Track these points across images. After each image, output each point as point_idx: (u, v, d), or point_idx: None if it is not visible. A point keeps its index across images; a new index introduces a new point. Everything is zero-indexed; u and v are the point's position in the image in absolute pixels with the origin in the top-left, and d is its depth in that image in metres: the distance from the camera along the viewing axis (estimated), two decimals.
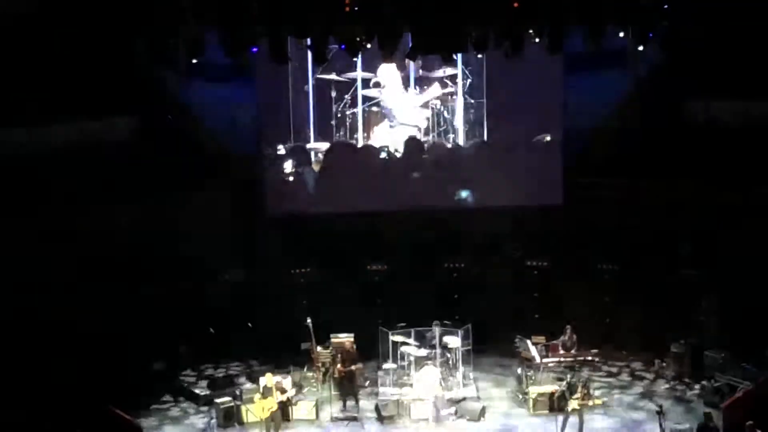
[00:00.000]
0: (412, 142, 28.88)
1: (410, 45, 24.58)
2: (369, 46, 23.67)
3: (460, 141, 29.59)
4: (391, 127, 27.96)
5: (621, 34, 24.76)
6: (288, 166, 27.06)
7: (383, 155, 27.95)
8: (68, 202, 26.97)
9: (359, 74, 26.81)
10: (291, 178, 27.79)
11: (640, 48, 25.71)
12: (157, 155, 29.03)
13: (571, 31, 23.96)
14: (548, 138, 30.21)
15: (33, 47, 25.76)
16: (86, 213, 27.60)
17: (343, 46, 24.54)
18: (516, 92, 29.39)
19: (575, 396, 23.24)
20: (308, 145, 28.17)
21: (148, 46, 23.75)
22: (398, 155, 28.77)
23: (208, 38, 23.36)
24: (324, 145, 27.29)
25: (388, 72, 26.98)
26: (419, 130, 28.54)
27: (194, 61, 24.62)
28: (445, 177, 30.39)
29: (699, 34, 27.20)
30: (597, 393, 24.94)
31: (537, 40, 24.45)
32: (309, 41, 23.75)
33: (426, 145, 28.89)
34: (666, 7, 23.56)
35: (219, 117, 30.89)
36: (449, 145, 29.43)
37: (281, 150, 26.99)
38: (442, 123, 28.96)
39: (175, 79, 29.76)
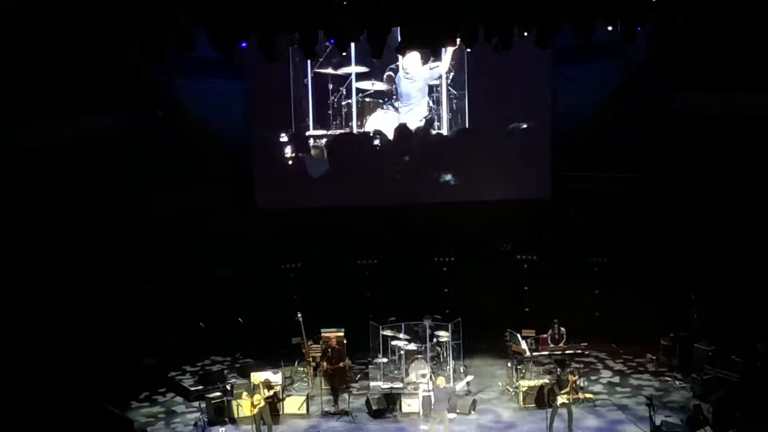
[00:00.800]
0: (400, 129, 29.55)
1: (399, 40, 24.60)
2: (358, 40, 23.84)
3: (444, 129, 30.18)
4: (403, 106, 29.02)
5: (609, 28, 24.81)
6: (289, 151, 28.26)
7: (376, 141, 28.94)
8: (60, 197, 27.00)
9: (353, 68, 27.95)
10: (290, 162, 28.74)
11: (629, 42, 25.80)
12: (149, 150, 29.08)
13: (559, 26, 24.00)
14: (524, 126, 30.44)
15: (25, 44, 25.74)
16: (77, 208, 27.65)
17: (332, 41, 24.71)
18: (499, 84, 29.87)
19: (564, 390, 23.30)
20: (308, 133, 29.15)
21: (140, 42, 23.76)
22: (389, 140, 29.55)
23: (198, 34, 23.37)
24: (322, 133, 28.47)
25: (413, 60, 28.21)
26: (428, 113, 29.44)
27: (185, 56, 24.63)
28: (433, 168, 30.72)
29: (688, 27, 27.28)
30: (586, 386, 24.96)
31: (526, 34, 24.50)
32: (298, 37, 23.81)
33: (413, 131, 29.69)
34: (654, 0, 23.59)
35: (210, 111, 31.00)
36: (434, 132, 30.01)
37: (284, 137, 28.07)
38: (429, 112, 29.68)
39: (167, 75, 29.91)
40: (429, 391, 24.29)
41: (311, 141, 29.03)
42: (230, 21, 22.80)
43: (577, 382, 23.73)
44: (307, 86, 27.87)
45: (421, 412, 24.65)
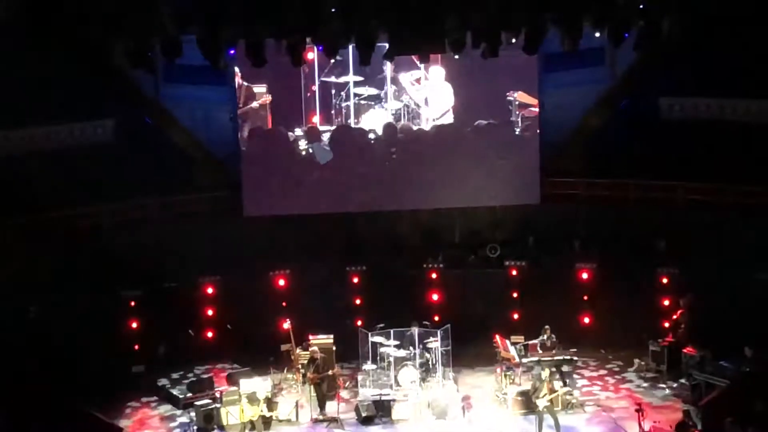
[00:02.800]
0: (389, 126, 31.16)
1: (387, 46, 24.69)
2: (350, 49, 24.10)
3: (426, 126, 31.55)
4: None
5: (597, 34, 24.90)
6: (303, 144, 31.10)
7: (371, 135, 31.15)
8: (47, 203, 26.96)
9: (351, 77, 30.63)
10: (303, 153, 31.25)
11: (616, 47, 25.89)
12: (138, 157, 29.09)
13: (547, 32, 24.06)
14: (485, 122, 31.00)
15: (10, 52, 25.77)
16: (65, 215, 27.63)
17: (320, 48, 24.83)
18: (480, 85, 30.81)
19: (542, 394, 23.31)
20: (320, 127, 31.53)
21: (126, 49, 23.79)
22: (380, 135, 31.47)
23: (185, 40, 23.38)
24: (328, 128, 31.40)
25: (435, 71, 30.90)
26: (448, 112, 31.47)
27: (173, 62, 24.63)
28: (420, 171, 31.22)
29: (675, 32, 27.41)
30: (560, 385, 24.90)
31: (514, 40, 24.57)
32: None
33: (399, 127, 31.38)
34: (642, 6, 23.63)
35: (197, 118, 31.08)
36: (415, 128, 31.35)
37: (298, 131, 31.00)
38: (411, 111, 31.30)
39: (154, 81, 29.98)
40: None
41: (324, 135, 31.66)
42: (218, 28, 22.84)
43: (553, 385, 23.77)
44: (315, 91, 30.80)
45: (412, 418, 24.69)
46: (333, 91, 30.92)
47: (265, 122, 31.12)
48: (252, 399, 23.84)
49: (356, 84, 30.91)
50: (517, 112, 31.00)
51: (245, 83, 30.74)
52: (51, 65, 27.04)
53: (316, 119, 30.99)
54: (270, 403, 24.31)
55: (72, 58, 27.48)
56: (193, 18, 22.64)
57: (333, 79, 30.85)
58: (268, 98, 30.84)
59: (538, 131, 30.91)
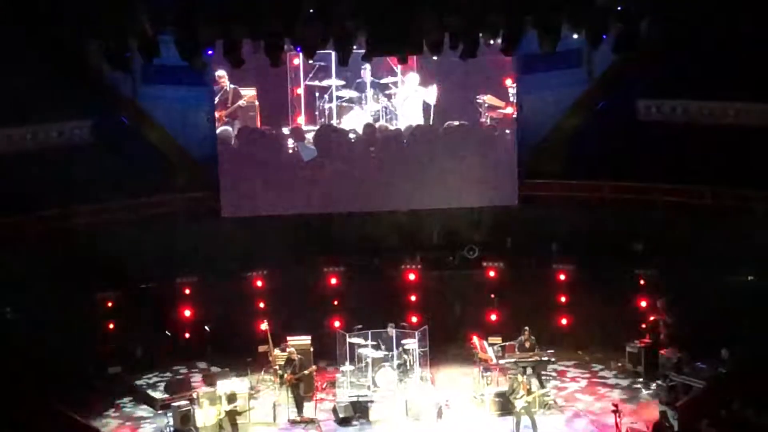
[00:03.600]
0: (368, 126, 31.82)
1: (365, 47, 24.67)
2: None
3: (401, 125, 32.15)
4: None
5: (575, 36, 24.97)
6: (290, 143, 31.87)
7: (351, 135, 31.88)
8: (24, 204, 26.84)
9: (333, 81, 31.37)
10: (290, 151, 31.96)
11: (595, 50, 25.96)
12: (115, 158, 29.00)
13: (525, 33, 24.10)
14: (456, 123, 31.41)
15: None
16: (42, 215, 27.54)
17: (298, 48, 24.81)
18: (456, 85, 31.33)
19: (520, 396, 23.36)
20: (303, 126, 32.26)
21: (102, 49, 23.71)
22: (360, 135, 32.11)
23: (163, 41, 23.33)
24: (312, 127, 32.20)
25: (411, 77, 31.65)
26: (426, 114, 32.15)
27: (150, 63, 24.59)
28: (399, 173, 31.49)
29: (653, 34, 27.51)
30: (536, 387, 25.00)
31: (492, 42, 24.61)
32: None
33: (377, 127, 31.99)
34: (620, 8, 23.69)
35: (174, 119, 31.02)
36: (392, 128, 31.93)
37: (285, 130, 31.75)
38: (388, 113, 31.94)
39: (131, 82, 29.93)
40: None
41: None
42: (195, 28, 22.79)
43: (530, 385, 23.86)
44: (300, 94, 31.43)
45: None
46: (317, 94, 31.49)
47: (253, 122, 31.55)
48: (212, 399, 23.79)
49: (338, 87, 31.46)
50: (486, 114, 31.30)
51: (232, 86, 31.04)
52: (27, 66, 26.93)
53: (301, 120, 31.50)
54: (230, 398, 24.19)
55: (49, 59, 27.37)
56: (170, 18, 22.61)
57: (317, 82, 31.48)
58: (254, 96, 31.29)
59: (507, 131, 31.14)
